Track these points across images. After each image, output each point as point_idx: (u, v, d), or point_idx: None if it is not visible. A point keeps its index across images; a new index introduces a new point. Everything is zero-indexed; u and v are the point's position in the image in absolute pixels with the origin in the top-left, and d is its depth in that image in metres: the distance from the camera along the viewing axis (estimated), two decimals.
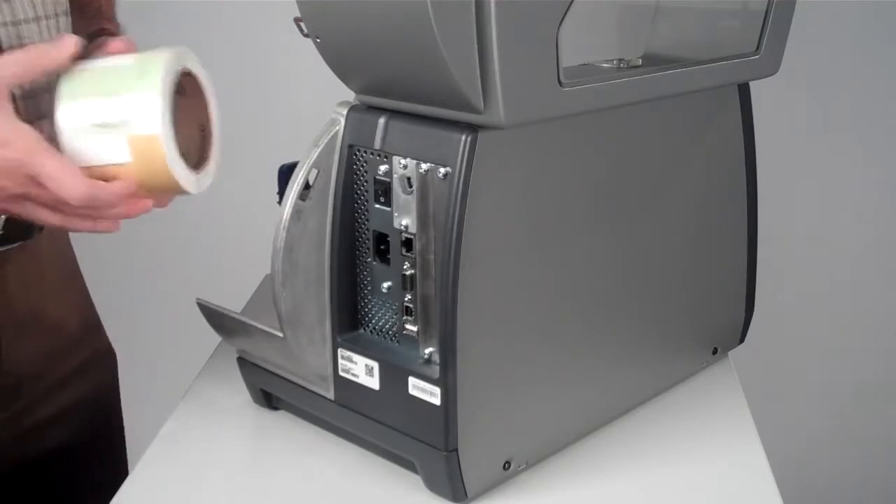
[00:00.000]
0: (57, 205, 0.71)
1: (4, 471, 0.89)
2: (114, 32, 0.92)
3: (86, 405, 0.96)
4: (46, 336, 0.90)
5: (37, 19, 0.81)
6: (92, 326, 1.00)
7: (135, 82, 0.71)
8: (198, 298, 0.82)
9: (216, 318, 0.82)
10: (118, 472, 0.93)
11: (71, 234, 0.98)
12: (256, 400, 0.87)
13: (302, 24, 0.70)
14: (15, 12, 0.78)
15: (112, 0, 0.99)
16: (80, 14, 0.92)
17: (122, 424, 1.04)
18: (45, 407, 0.91)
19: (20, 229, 0.82)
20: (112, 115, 0.70)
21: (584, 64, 0.81)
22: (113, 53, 0.76)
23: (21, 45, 0.78)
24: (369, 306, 0.75)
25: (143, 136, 0.70)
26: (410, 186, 0.69)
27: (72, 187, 0.68)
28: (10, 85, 0.70)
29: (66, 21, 0.86)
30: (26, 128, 0.69)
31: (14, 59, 0.71)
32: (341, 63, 0.70)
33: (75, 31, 0.89)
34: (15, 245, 0.83)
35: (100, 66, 0.73)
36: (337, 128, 0.73)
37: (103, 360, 1.01)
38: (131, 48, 0.77)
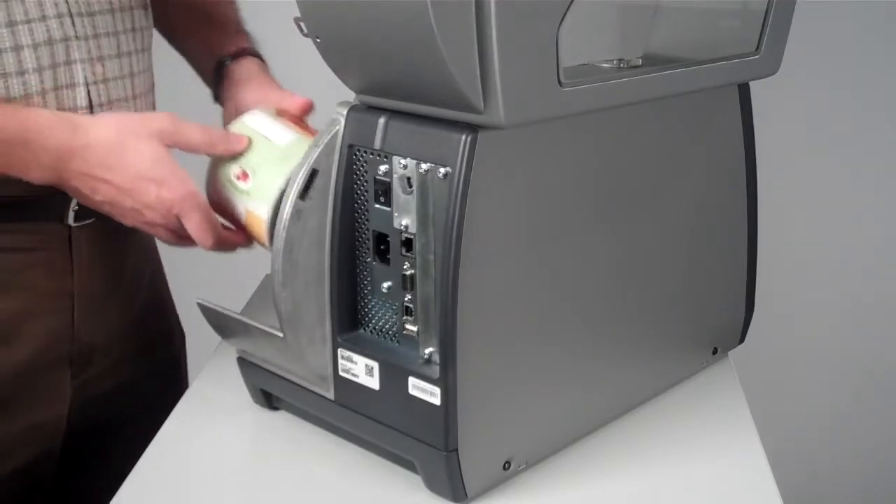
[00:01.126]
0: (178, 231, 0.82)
1: (72, 432, 0.93)
2: (253, 50, 1.01)
3: (153, 379, 1.01)
4: (119, 311, 0.95)
5: (111, 11, 0.87)
6: (163, 303, 1.06)
7: (272, 166, 0.80)
8: (198, 298, 0.82)
9: (216, 318, 0.82)
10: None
11: None
12: (256, 400, 0.87)
13: (302, 24, 0.70)
14: (90, 5, 0.85)
15: (237, 15, 1.06)
16: (222, 31, 1.01)
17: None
18: (113, 377, 0.96)
19: None
20: (244, 181, 0.80)
21: (584, 64, 0.81)
22: (285, 114, 0.86)
23: (95, 36, 0.85)
24: (369, 306, 0.75)
25: (254, 213, 0.79)
26: (410, 186, 0.69)
27: (204, 239, 0.81)
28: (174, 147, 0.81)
29: (141, 14, 0.92)
30: (185, 175, 0.80)
31: (191, 134, 0.81)
32: (341, 63, 0.70)
33: (217, 48, 0.99)
34: (90, 220, 0.88)
35: (263, 131, 0.82)
36: (337, 128, 0.73)
37: (172, 337, 1.07)
38: (307, 110, 0.88)
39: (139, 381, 0.99)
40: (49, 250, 0.87)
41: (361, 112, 0.72)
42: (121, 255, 0.94)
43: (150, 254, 1.03)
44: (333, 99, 0.74)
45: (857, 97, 1.57)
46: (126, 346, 0.97)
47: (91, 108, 0.85)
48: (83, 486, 0.98)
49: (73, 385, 0.91)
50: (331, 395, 0.77)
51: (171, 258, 1.53)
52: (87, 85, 0.85)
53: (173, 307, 1.08)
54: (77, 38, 0.84)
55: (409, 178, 0.69)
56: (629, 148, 0.79)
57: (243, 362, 0.85)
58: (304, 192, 0.72)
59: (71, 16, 0.83)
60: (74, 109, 0.84)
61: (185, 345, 1.09)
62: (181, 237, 0.83)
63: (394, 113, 0.70)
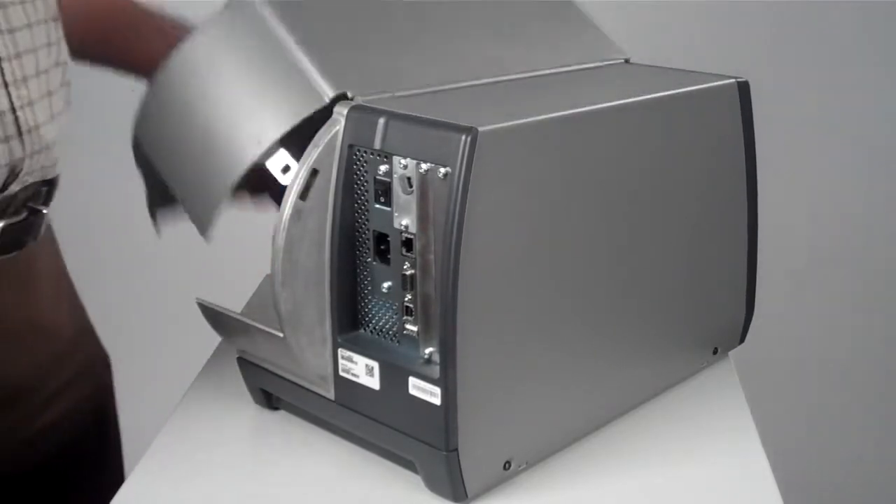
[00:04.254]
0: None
1: (1, 478, 0.88)
2: None
3: (83, 412, 0.95)
4: (42, 345, 0.89)
5: (29, 26, 0.78)
6: (85, 332, 0.99)
7: None
8: (198, 298, 0.82)
9: (216, 318, 0.82)
10: (115, 476, 0.92)
11: (61, 237, 0.97)
12: (256, 400, 0.87)
13: None
14: (10, 20, 0.76)
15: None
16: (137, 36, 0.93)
17: (118, 429, 1.03)
18: (42, 417, 0.90)
19: (15, 239, 0.81)
20: None
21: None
22: None
23: (17, 55, 0.76)
24: (369, 306, 0.75)
25: None
26: (410, 186, 0.69)
27: None
28: None
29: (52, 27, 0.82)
30: None
31: None
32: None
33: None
34: (10, 255, 0.82)
35: None
36: (337, 128, 0.73)
37: (99, 366, 1.00)
38: None
39: (70, 415, 0.93)
40: None
41: (361, 112, 0.72)
42: (38, 287, 0.88)
43: (65, 280, 0.95)
44: None
45: (858, 96, 1.57)
46: (54, 382, 0.91)
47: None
48: None
49: None
50: (331, 395, 0.77)
51: (172, 258, 1.54)
52: (13, 111, 0.75)
53: (95, 334, 1.00)
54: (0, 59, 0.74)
55: (409, 178, 0.69)
56: (629, 147, 0.79)
57: (243, 362, 0.85)
58: (304, 193, 0.72)
59: None
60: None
61: (112, 371, 1.01)
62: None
63: (394, 113, 0.70)
